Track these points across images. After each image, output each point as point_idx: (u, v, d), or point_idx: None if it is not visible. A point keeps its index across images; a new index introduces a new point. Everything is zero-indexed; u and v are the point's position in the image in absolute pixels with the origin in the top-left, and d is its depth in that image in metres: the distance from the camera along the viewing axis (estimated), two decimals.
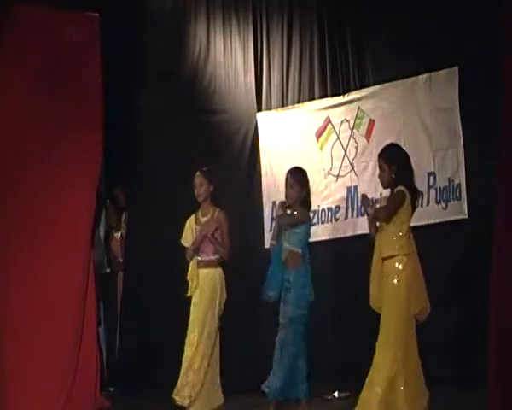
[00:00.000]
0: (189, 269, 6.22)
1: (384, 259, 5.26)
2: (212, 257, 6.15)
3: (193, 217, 6.33)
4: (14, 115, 6.50)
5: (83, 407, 6.45)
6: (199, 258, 6.18)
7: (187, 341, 6.08)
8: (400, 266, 5.19)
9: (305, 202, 6.15)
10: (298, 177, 6.14)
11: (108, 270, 8.15)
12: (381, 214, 5.34)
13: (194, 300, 6.17)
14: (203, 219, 6.23)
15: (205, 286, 6.12)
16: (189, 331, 6.10)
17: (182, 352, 6.04)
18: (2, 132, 6.45)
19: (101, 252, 7.97)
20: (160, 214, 8.09)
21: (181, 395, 5.93)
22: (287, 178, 6.17)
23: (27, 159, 6.50)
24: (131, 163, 8.47)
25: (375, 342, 5.20)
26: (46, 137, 6.58)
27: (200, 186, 6.23)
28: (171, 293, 7.72)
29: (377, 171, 7.13)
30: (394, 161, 5.39)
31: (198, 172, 6.28)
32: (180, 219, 6.51)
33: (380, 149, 7.15)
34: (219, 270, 6.17)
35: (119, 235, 8.50)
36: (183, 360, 6.04)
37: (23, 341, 6.28)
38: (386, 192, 5.89)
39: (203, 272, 6.15)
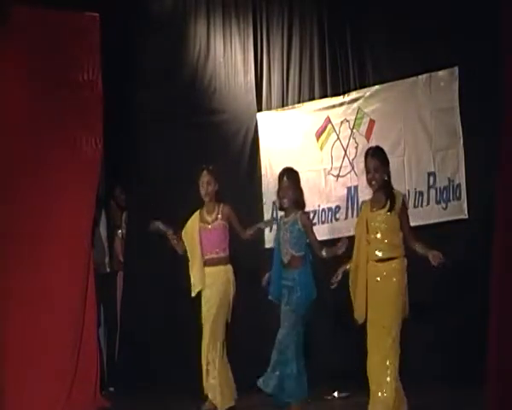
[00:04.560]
0: (195, 271, 6.12)
1: (382, 260, 5.21)
2: (223, 254, 6.10)
3: (197, 215, 6.21)
4: (13, 116, 6.51)
5: (83, 407, 6.46)
6: (213, 256, 6.09)
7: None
8: (402, 267, 5.18)
9: (299, 202, 5.88)
10: (293, 178, 5.87)
11: (108, 270, 8.14)
12: (414, 235, 5.24)
13: (207, 297, 6.10)
14: (209, 218, 6.15)
15: (219, 283, 6.06)
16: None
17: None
18: (2, 133, 6.45)
19: (101, 252, 7.97)
20: (159, 214, 8.07)
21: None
22: (281, 180, 5.86)
23: (27, 160, 6.51)
24: (131, 163, 8.46)
25: None
26: (46, 138, 6.59)
27: (208, 185, 6.11)
28: (171, 293, 7.74)
29: None
30: (387, 163, 5.33)
31: (205, 171, 6.13)
32: (180, 218, 6.50)
33: None
34: (230, 266, 6.12)
35: (120, 234, 8.50)
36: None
37: (23, 341, 6.29)
38: None
39: (215, 269, 6.07)
